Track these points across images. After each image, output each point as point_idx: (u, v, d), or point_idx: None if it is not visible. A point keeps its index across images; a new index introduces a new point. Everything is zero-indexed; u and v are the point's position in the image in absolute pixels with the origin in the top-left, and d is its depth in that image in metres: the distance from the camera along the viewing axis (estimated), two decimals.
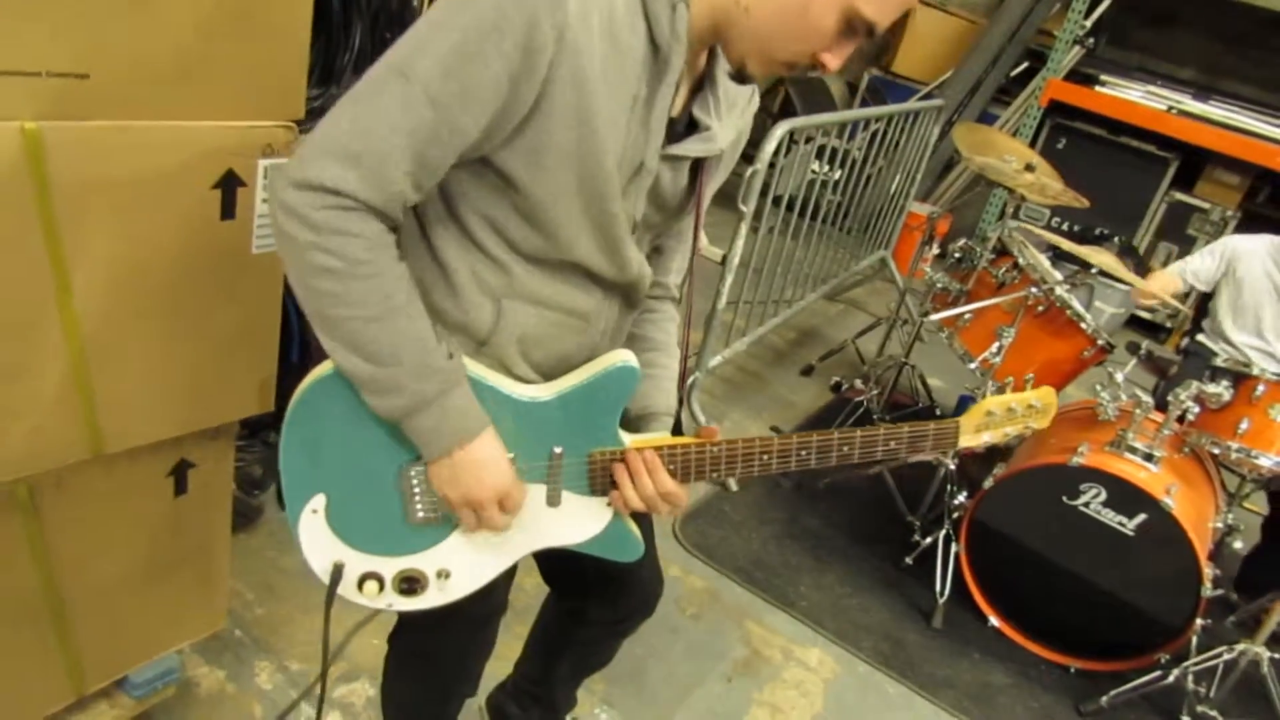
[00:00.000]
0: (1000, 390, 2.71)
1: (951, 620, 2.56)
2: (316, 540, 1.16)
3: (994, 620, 2.57)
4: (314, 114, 2.00)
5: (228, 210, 1.29)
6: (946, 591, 2.56)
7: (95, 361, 1.25)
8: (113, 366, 1.27)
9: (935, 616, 2.54)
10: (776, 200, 3.30)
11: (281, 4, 1.23)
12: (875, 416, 3.50)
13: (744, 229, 2.92)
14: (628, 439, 1.17)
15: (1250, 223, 5.08)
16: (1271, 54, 5.21)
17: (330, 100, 2.05)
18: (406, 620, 1.44)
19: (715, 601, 2.46)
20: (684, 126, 1.10)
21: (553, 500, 1.18)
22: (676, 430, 1.27)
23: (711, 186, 1.22)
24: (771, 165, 2.96)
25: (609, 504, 1.20)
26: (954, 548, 2.60)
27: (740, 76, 1.06)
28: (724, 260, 3.02)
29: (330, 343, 1.01)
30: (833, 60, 1.00)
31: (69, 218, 1.14)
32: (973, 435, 1.27)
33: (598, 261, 1.10)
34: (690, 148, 1.09)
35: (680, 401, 1.29)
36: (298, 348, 2.27)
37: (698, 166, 1.15)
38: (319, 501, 1.15)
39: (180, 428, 1.42)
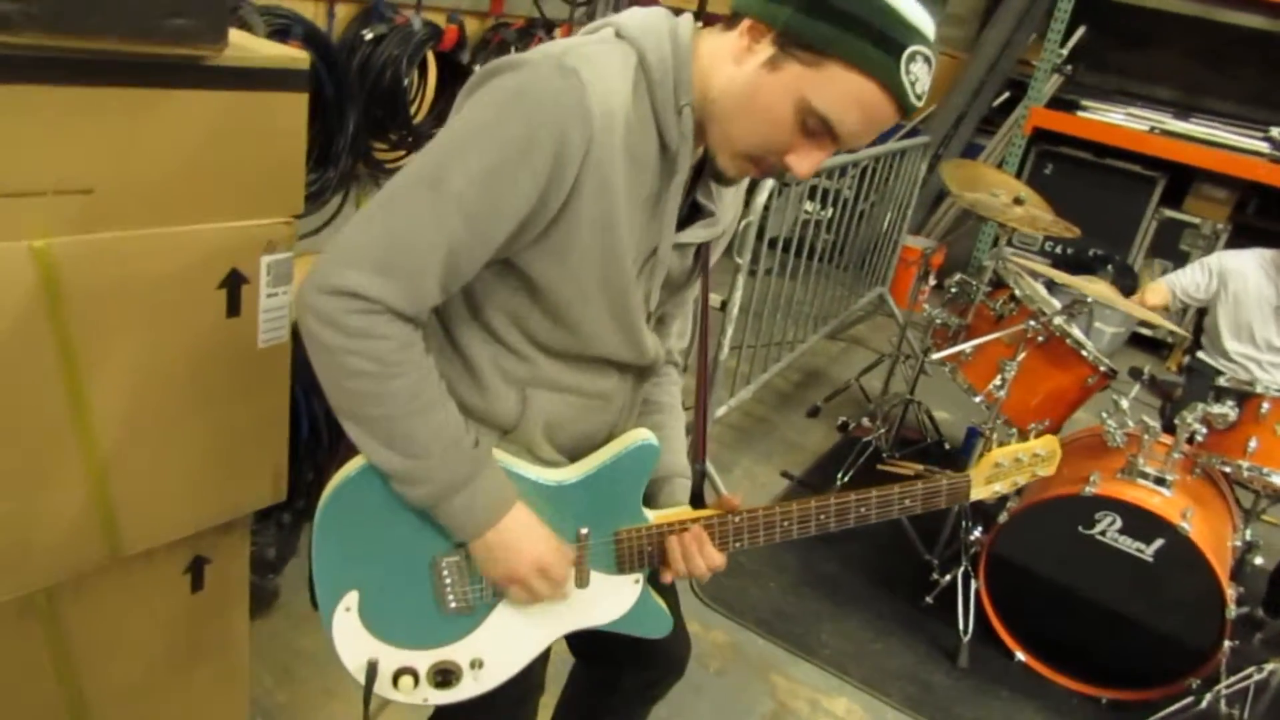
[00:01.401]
0: (1008, 425, 2.72)
1: (977, 658, 2.53)
2: (350, 638, 1.17)
3: (1020, 655, 2.55)
4: (311, 198, 2.05)
5: (233, 308, 1.31)
6: (970, 629, 2.54)
7: (113, 468, 1.26)
8: (129, 471, 1.29)
9: (960, 655, 2.52)
10: (772, 242, 3.34)
11: (278, 106, 1.26)
12: (885, 454, 3.50)
13: (742, 276, 2.95)
14: (650, 515, 1.19)
15: (1242, 235, 5.11)
16: (1246, 69, 5.28)
17: (327, 184, 2.09)
18: (443, 706, 1.43)
19: (738, 655, 2.44)
20: (687, 210, 1.13)
21: (581, 581, 1.19)
22: (696, 493, 1.28)
23: (714, 257, 1.25)
24: (766, 208, 3.00)
25: (636, 581, 1.21)
26: (974, 584, 2.58)
27: (719, 176, 1.09)
28: (724, 306, 3.04)
29: (363, 438, 1.03)
30: (798, 162, 1.00)
31: (81, 330, 1.16)
32: (984, 487, 1.29)
33: (619, 351, 1.14)
34: (697, 234, 1.13)
35: (702, 459, 1.30)
36: (307, 424, 2.28)
37: (701, 245, 1.18)
38: (352, 599, 1.16)
39: (195, 525, 1.43)
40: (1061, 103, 5.33)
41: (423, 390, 1.02)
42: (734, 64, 0.99)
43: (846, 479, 3.28)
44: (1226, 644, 2.28)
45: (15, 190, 1.05)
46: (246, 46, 1.23)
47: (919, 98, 0.97)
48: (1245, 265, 3.05)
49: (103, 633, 1.41)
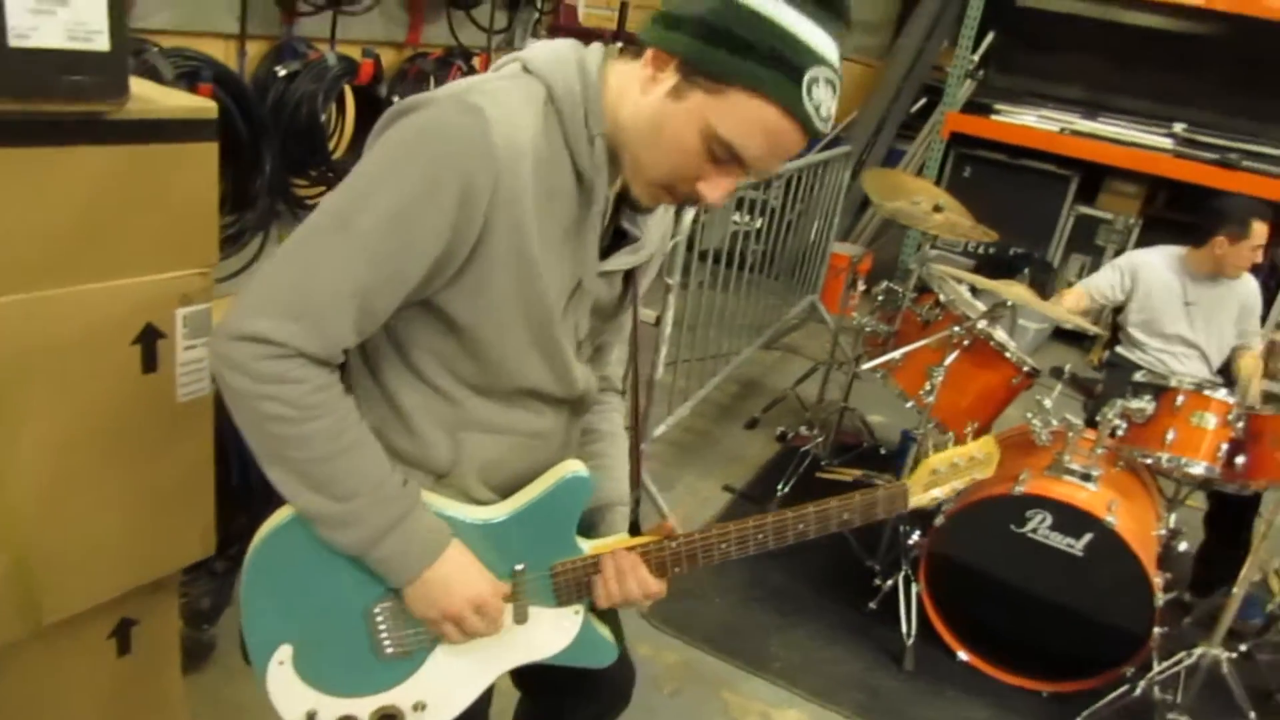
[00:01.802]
0: (940, 428, 2.79)
1: (922, 660, 2.58)
2: (287, 691, 1.15)
3: (963, 655, 2.60)
4: (229, 241, 2.00)
5: (149, 364, 1.28)
6: (913, 632, 2.58)
7: (31, 533, 1.22)
8: (49, 540, 1.25)
9: (906, 658, 2.56)
10: (703, 255, 3.37)
11: (187, 157, 1.24)
12: (824, 462, 3.55)
13: (674, 291, 2.96)
14: (586, 546, 1.18)
15: (1153, 227, 5.32)
16: (1149, 67, 5.50)
17: (245, 225, 2.05)
18: None
19: (691, 674, 2.44)
20: (610, 238, 1.13)
21: (520, 617, 1.18)
22: (633, 521, 1.28)
23: (645, 283, 1.26)
24: (696, 220, 3.02)
25: (576, 612, 1.20)
26: (915, 587, 2.63)
27: (635, 204, 1.09)
28: (658, 322, 3.05)
29: (287, 483, 1.01)
30: (709, 190, 1.00)
31: None
32: (922, 494, 1.30)
33: (548, 384, 1.12)
34: (622, 261, 1.13)
35: (637, 486, 1.29)
36: (238, 468, 2.23)
37: (630, 271, 1.18)
38: (285, 652, 1.13)
39: (120, 587, 1.38)
40: (976, 106, 5.49)
41: (344, 431, 1.00)
42: (640, 93, 0.99)
43: (787, 489, 3.31)
44: (1156, 631, 2.36)
45: None
46: (150, 98, 1.20)
47: (824, 121, 0.97)
48: (1154, 262, 3.18)
49: (26, 705, 1.35)
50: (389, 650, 1.16)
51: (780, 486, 3.31)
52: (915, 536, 2.72)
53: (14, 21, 0.97)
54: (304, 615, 1.12)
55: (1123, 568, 2.35)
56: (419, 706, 1.19)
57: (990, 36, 5.40)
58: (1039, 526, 2.43)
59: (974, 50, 5.33)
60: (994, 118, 5.39)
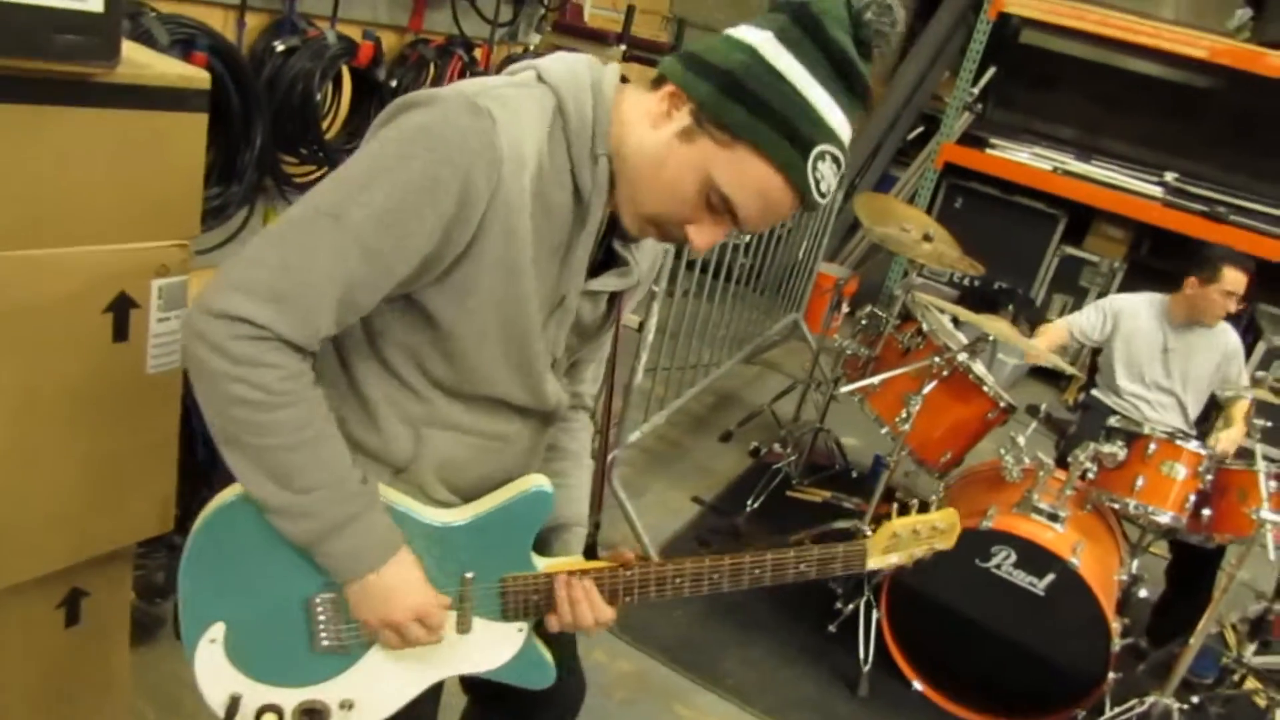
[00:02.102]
0: (913, 457, 2.79)
1: (877, 687, 2.58)
2: (213, 671, 1.13)
3: (918, 685, 2.61)
4: (212, 213, 1.97)
5: (120, 333, 1.26)
6: (870, 658, 2.58)
7: None
8: (4, 500, 1.21)
9: (860, 685, 2.56)
10: (690, 264, 3.36)
11: (176, 127, 1.22)
12: (795, 481, 3.55)
13: (659, 297, 2.96)
14: (540, 563, 1.17)
15: (1136, 273, 5.37)
16: (1143, 113, 5.57)
17: (230, 199, 2.03)
18: None
19: (643, 685, 2.43)
20: (600, 258, 1.12)
21: (463, 627, 1.16)
22: (590, 544, 1.26)
23: (629, 306, 1.25)
24: None
25: (520, 629, 1.19)
26: (875, 614, 2.63)
27: (622, 232, 1.08)
28: (641, 327, 3.04)
29: (243, 468, 0.99)
30: (697, 236, 1.01)
31: None
32: (880, 558, 1.30)
33: (517, 395, 1.11)
34: (609, 282, 1.12)
35: (598, 510, 1.29)
36: (202, 444, 2.20)
37: (615, 292, 1.17)
38: (218, 630, 1.11)
39: (71, 556, 1.35)
40: (972, 139, 5.53)
41: (310, 422, 0.98)
42: (651, 126, 0.99)
43: (757, 504, 3.31)
44: (1110, 675, 2.37)
45: None
46: (143, 63, 1.18)
47: (823, 196, 0.98)
48: (1137, 308, 3.20)
49: None
50: (325, 643, 1.14)
51: (750, 502, 3.31)
52: None
53: None
54: (242, 596, 1.11)
55: (1082, 609, 2.37)
56: (346, 705, 1.17)
57: (991, 71, 5.44)
58: (1003, 563, 2.44)
59: (974, 83, 5.36)
60: (989, 151, 5.43)
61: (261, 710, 1.14)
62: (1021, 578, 2.42)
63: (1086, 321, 3.26)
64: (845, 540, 2.79)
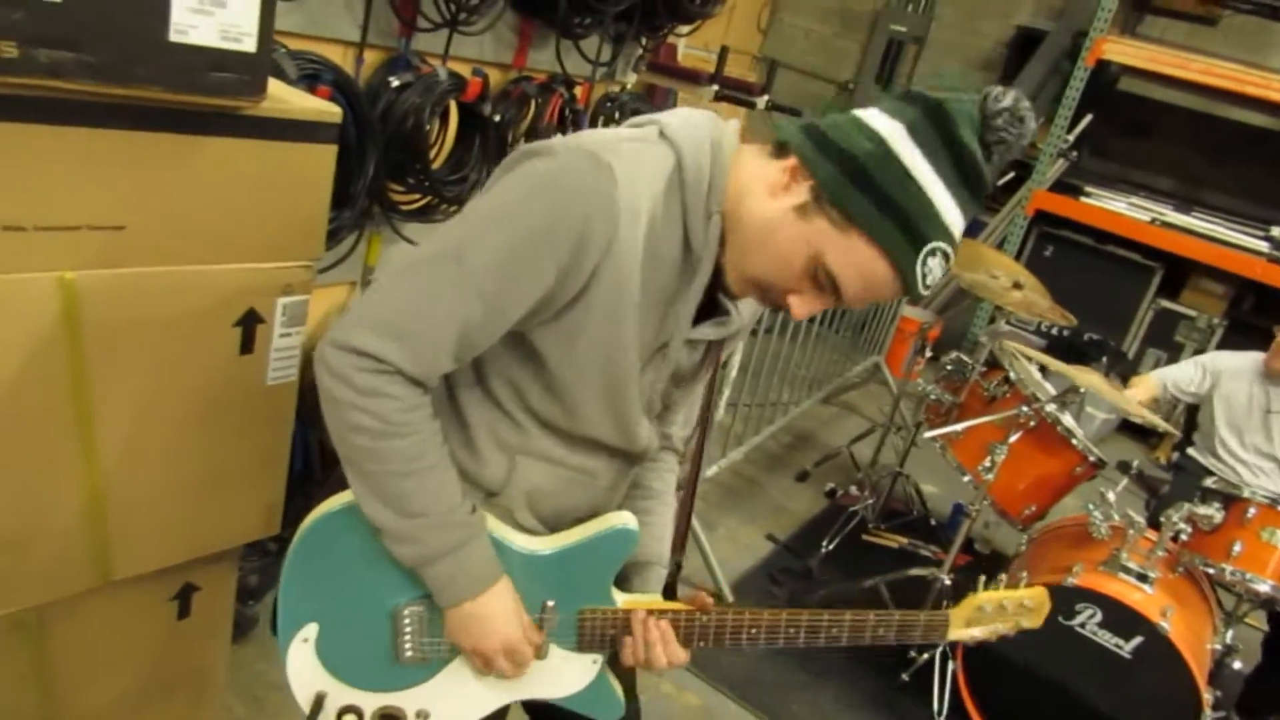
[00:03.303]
0: (995, 508, 2.74)
1: None
2: (302, 668, 1.20)
3: None
4: (326, 237, 2.07)
5: (246, 346, 1.35)
6: (944, 711, 2.54)
7: (112, 493, 1.28)
8: (128, 497, 1.31)
9: None
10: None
11: (307, 157, 1.30)
12: (870, 524, 3.51)
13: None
14: (620, 598, 1.20)
15: (1237, 330, 5.18)
16: (1248, 166, 5.40)
17: (343, 224, 2.13)
18: None
19: (710, 719, 2.43)
20: (704, 306, 1.14)
21: (540, 654, 1.19)
22: (669, 584, 1.28)
23: (725, 354, 1.27)
24: None
25: (595, 661, 1.22)
26: (951, 666, 2.58)
27: (727, 289, 1.10)
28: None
29: (359, 490, 1.07)
30: (798, 305, 1.03)
31: (96, 359, 1.19)
32: (962, 629, 1.29)
33: (611, 437, 1.15)
34: (708, 332, 1.14)
35: (681, 549, 1.30)
36: (301, 457, 2.30)
37: (714, 341, 1.19)
38: (311, 631, 1.18)
39: (188, 553, 1.44)
40: (1065, 187, 5.43)
41: (424, 453, 1.04)
42: (769, 195, 1.02)
43: (831, 546, 3.28)
44: None
45: (51, 224, 1.09)
46: (281, 98, 1.27)
47: (927, 289, 1.00)
48: (1240, 367, 3.09)
49: (87, 654, 1.41)
50: (408, 654, 1.19)
51: (824, 543, 3.29)
52: None
53: (176, 18, 1.04)
54: (336, 600, 1.17)
55: (1171, 677, 2.28)
56: (421, 715, 1.22)
57: (1087, 118, 5.35)
58: (1088, 622, 2.37)
59: (1069, 130, 5.28)
60: (1083, 200, 5.32)
61: (343, 710, 1.21)
62: (1107, 638, 2.35)
63: (1182, 375, 3.16)
64: (921, 587, 2.75)
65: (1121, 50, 4.94)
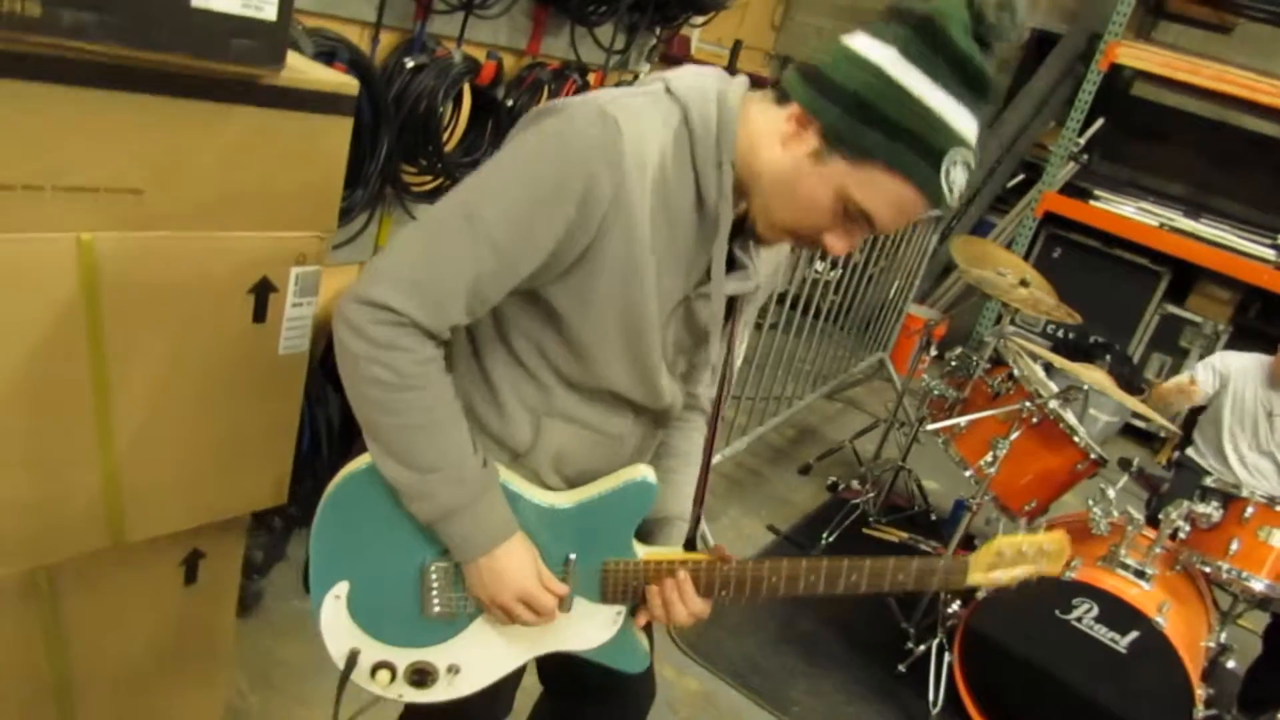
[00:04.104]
0: (996, 502, 2.75)
1: None
2: (336, 625, 1.22)
3: None
4: (339, 216, 2.09)
5: (259, 314, 1.36)
6: (940, 702, 2.55)
7: (126, 457, 1.30)
8: (141, 459, 1.32)
9: None
10: (780, 298, 3.39)
11: (324, 128, 1.32)
12: (871, 519, 3.52)
13: (748, 328, 3.00)
14: (641, 550, 1.22)
15: (1242, 336, 5.18)
16: (1258, 173, 5.40)
17: (355, 203, 2.15)
18: (413, 707, 1.46)
19: (709, 705, 2.45)
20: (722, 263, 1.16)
21: (564, 606, 1.21)
22: (689, 538, 1.30)
23: (750, 310, 1.29)
24: None
25: (619, 614, 1.24)
26: (947, 657, 2.60)
27: (758, 239, 1.13)
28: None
29: (375, 447, 1.09)
30: (835, 243, 1.05)
31: (113, 320, 1.21)
32: (983, 573, 1.28)
33: (633, 391, 1.17)
34: (729, 286, 1.15)
35: (700, 504, 1.30)
36: (309, 433, 2.32)
37: (734, 297, 1.20)
38: (342, 588, 1.21)
39: (197, 519, 1.46)
40: (1075, 189, 5.43)
41: (436, 407, 1.07)
42: (780, 146, 1.03)
43: (832, 539, 3.30)
44: None
45: (70, 185, 1.11)
46: (300, 69, 1.29)
47: (955, 197, 1.00)
48: (1248, 369, 3.10)
49: (97, 616, 1.43)
50: (436, 609, 1.22)
51: (825, 536, 3.30)
52: (955, 606, 2.68)
53: None
54: (365, 557, 1.19)
55: (1166, 672, 2.29)
56: (453, 669, 1.24)
57: (1099, 122, 5.35)
58: (1084, 616, 2.38)
59: (1080, 133, 5.27)
60: (1092, 203, 5.32)
61: (376, 666, 1.23)
62: (1103, 633, 2.36)
63: (1202, 379, 3.16)
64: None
65: (1135, 55, 4.93)
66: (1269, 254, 5.01)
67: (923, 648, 2.69)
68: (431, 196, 2.43)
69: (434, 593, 1.20)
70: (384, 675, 1.23)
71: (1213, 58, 4.97)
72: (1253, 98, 4.75)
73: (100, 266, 1.16)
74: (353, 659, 1.21)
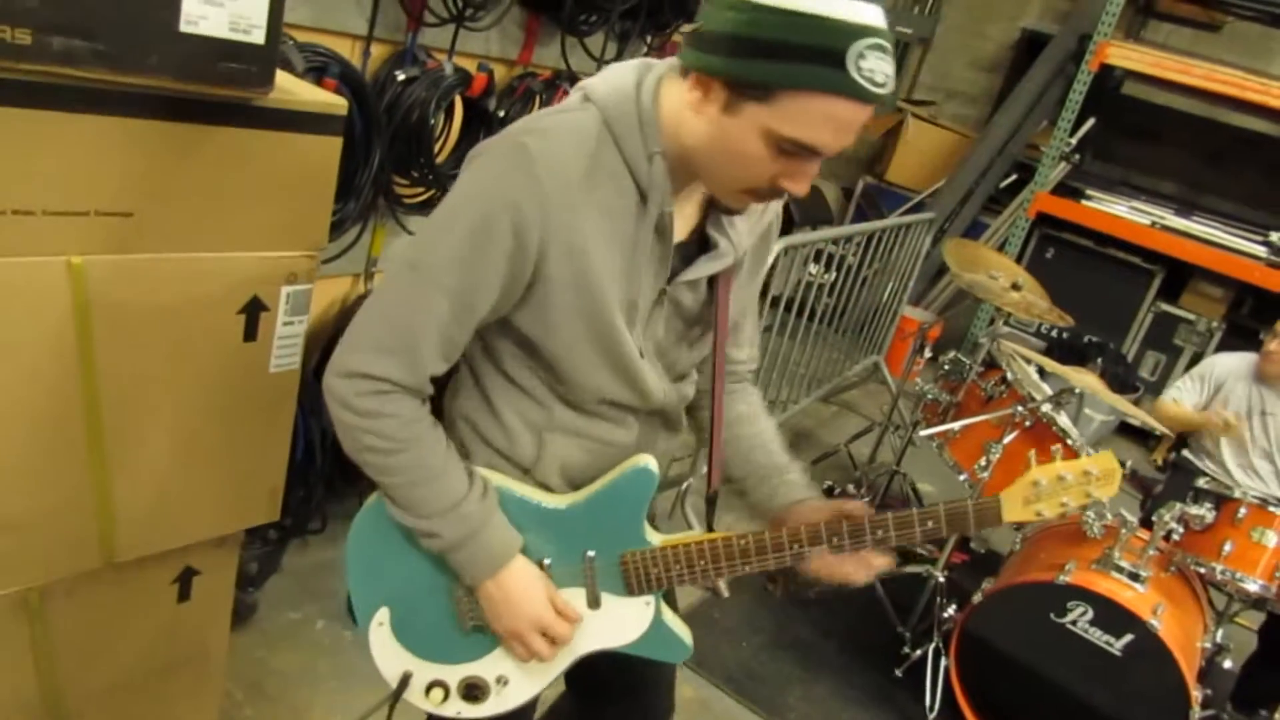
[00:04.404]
0: None
1: None
2: (385, 651, 1.26)
3: None
4: (330, 228, 2.10)
5: (250, 333, 1.37)
6: (936, 706, 2.56)
7: (116, 474, 1.31)
8: (132, 479, 1.33)
9: None
10: (774, 301, 3.40)
11: (313, 148, 1.33)
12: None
13: None
14: (655, 539, 1.23)
15: (1235, 334, 5.20)
16: (1248, 171, 5.42)
17: (347, 215, 2.16)
18: None
19: (705, 712, 2.45)
20: (698, 246, 1.17)
21: (593, 602, 1.24)
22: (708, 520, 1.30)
23: (753, 284, 1.29)
24: (772, 267, 3.06)
25: (648, 603, 1.25)
26: (944, 661, 2.60)
27: (727, 209, 1.13)
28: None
29: (386, 498, 1.16)
30: (791, 185, 1.03)
31: (104, 342, 1.21)
32: (1021, 508, 1.18)
33: (621, 394, 1.18)
34: (700, 269, 1.16)
35: (714, 490, 1.31)
36: (303, 444, 2.32)
37: (714, 277, 1.20)
38: (384, 615, 1.25)
39: (190, 537, 1.46)
40: (1067, 189, 5.44)
41: (428, 461, 1.12)
42: (695, 113, 1.02)
43: None
44: None
45: (60, 209, 1.11)
46: (289, 90, 1.29)
47: (882, 86, 0.95)
48: (1238, 370, 3.11)
49: (88, 634, 1.44)
50: (470, 624, 1.24)
51: None
52: (951, 610, 2.69)
53: (187, 9, 1.07)
54: (398, 583, 1.24)
55: (1161, 674, 2.30)
56: (501, 680, 1.27)
57: (1090, 122, 5.36)
58: (1079, 619, 2.39)
59: (1072, 133, 5.29)
60: (1084, 203, 5.34)
61: (430, 685, 1.27)
62: (1098, 636, 2.37)
63: (1186, 392, 3.17)
64: (916, 584, 2.77)
65: (1125, 55, 4.95)
66: (1260, 251, 5.03)
67: (919, 652, 2.70)
68: (424, 208, 2.44)
69: (466, 607, 1.23)
70: (438, 693, 1.26)
71: (1202, 56, 4.99)
72: (1242, 96, 4.77)
73: (90, 289, 1.17)
74: (405, 681, 1.25)
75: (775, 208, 1.25)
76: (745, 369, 1.38)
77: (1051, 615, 2.42)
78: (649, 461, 1.20)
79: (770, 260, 1.31)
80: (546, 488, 1.22)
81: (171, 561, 1.49)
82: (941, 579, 2.79)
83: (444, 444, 1.14)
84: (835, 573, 1.21)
